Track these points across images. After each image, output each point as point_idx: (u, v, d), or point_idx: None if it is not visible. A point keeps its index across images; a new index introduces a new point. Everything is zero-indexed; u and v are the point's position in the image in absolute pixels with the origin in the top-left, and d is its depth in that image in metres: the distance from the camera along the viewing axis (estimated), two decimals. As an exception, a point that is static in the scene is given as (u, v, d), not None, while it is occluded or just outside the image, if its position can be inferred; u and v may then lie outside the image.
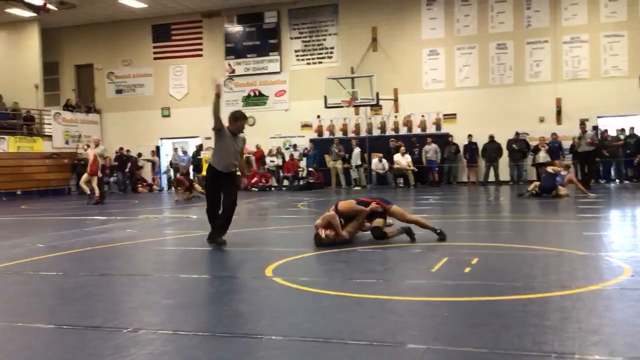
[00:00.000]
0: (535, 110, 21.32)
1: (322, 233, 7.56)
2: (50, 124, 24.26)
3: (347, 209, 7.81)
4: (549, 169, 15.31)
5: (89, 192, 16.97)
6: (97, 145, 18.14)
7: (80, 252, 7.98)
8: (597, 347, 3.53)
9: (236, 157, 7.92)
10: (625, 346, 3.55)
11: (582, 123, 18.76)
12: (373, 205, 7.85)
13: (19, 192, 21.67)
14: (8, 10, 22.42)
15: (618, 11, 20.64)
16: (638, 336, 3.69)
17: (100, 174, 17.10)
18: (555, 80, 21.27)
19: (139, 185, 24.44)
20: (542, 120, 21.33)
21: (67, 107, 25.36)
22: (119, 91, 26.70)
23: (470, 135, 21.28)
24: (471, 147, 21.35)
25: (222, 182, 7.80)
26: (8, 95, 24.39)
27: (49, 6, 20.35)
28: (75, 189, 23.14)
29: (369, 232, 7.91)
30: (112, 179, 24.44)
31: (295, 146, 23.38)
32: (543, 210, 12.57)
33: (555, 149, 20.17)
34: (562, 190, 14.34)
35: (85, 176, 17.08)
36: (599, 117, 20.88)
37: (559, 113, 21.20)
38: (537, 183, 15.18)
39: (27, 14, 22.61)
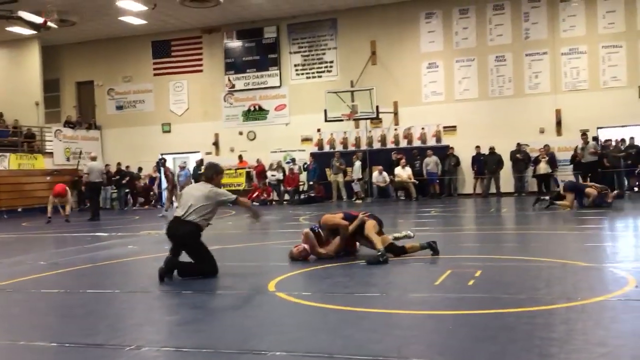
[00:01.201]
0: (535, 121, 21.34)
1: (293, 249, 7.69)
2: (51, 141, 24.30)
3: (329, 223, 7.74)
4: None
5: (49, 215, 17.05)
6: (92, 160, 18.35)
7: (82, 269, 7.95)
8: (604, 359, 3.50)
9: None
10: (632, 358, 3.52)
11: (584, 134, 18.79)
12: (361, 216, 7.70)
13: (20, 209, 21.63)
14: (8, 29, 22.51)
15: (616, 22, 20.71)
16: (645, 348, 3.66)
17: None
18: (554, 91, 21.31)
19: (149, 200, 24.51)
20: (542, 131, 21.34)
21: (68, 123, 25.41)
22: (119, 107, 26.77)
23: (478, 147, 21.25)
24: (479, 158, 21.32)
25: None
26: (9, 113, 24.44)
27: (50, 24, 20.42)
28: (77, 206, 23.11)
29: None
30: (110, 195, 24.41)
31: (294, 160, 23.38)
32: (545, 222, 12.54)
33: (550, 159, 20.26)
34: (562, 202, 14.25)
35: (51, 197, 17.38)
36: (598, 127, 20.88)
37: (558, 124, 21.22)
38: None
39: (27, 31, 22.69)
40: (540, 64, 21.48)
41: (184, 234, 6.77)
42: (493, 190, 20.97)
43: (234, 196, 7.01)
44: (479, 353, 3.70)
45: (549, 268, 6.49)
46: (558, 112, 21.19)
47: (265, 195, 22.48)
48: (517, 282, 5.84)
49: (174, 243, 6.85)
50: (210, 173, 7.10)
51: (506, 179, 20.96)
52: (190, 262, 6.85)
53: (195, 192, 6.96)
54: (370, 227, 7.52)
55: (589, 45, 21.01)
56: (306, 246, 7.69)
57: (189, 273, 6.77)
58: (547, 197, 14.90)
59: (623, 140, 20.22)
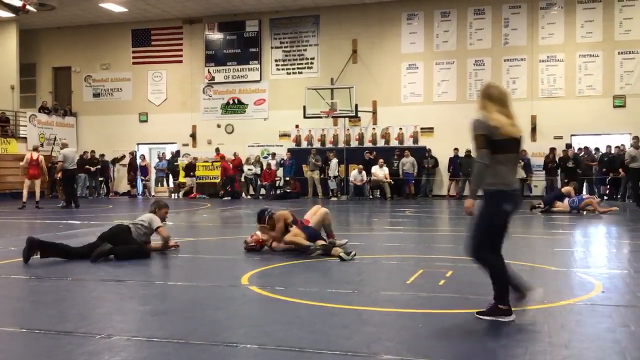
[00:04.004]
0: (511, 126, 21.56)
1: (248, 238, 8.11)
2: (25, 125, 23.97)
3: (281, 219, 7.97)
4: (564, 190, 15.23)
5: (24, 201, 16.73)
6: (63, 147, 17.99)
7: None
8: (567, 361, 3.59)
9: None
10: (595, 361, 3.62)
11: (636, 137, 17.62)
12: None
13: (-9, 194, 21.33)
14: (-14, 11, 22.16)
15: (594, 32, 21.07)
16: (608, 351, 3.76)
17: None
18: (531, 97, 21.59)
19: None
20: (517, 136, 21.58)
21: (43, 109, 25.07)
22: (96, 95, 26.49)
23: (456, 149, 21.42)
24: (455, 160, 21.51)
25: None
26: (-17, 96, 24.06)
27: (29, 7, 20.10)
28: (50, 192, 22.85)
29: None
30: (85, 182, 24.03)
31: (274, 155, 23.38)
32: (516, 225, 12.71)
33: (525, 164, 20.55)
34: (561, 206, 14.49)
35: (26, 181, 16.94)
36: (572, 135, 21.24)
37: (533, 130, 21.51)
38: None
39: (5, 14, 22.33)
40: (518, 69, 21.76)
41: (117, 233, 7.62)
42: (467, 192, 21.17)
43: (161, 225, 7.96)
44: (447, 351, 3.78)
45: (518, 271, 6.57)
46: (533, 118, 21.49)
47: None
48: (487, 283, 5.88)
49: (104, 239, 7.53)
50: (153, 208, 8.10)
51: (481, 182, 21.13)
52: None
53: (146, 215, 8.05)
54: (291, 234, 7.64)
55: (567, 54, 21.33)
56: (258, 233, 7.98)
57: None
58: (541, 205, 15.12)
59: (597, 149, 20.56)
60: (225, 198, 21.78)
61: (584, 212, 14.37)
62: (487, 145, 4.26)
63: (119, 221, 8.06)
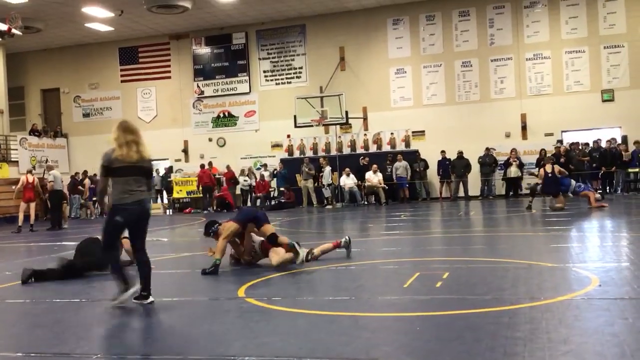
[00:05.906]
0: (501, 125, 21.67)
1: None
2: (16, 149, 23.87)
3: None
4: (555, 170, 14.67)
5: (20, 224, 16.61)
6: (49, 170, 18.12)
7: (49, 279, 7.82)
8: (566, 356, 3.58)
9: None
10: (595, 355, 3.61)
11: None
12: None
13: (-16, 219, 21.20)
14: (-29, 36, 22.10)
15: (578, 28, 21.17)
16: (607, 345, 3.75)
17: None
18: (519, 96, 21.67)
19: None
20: (508, 135, 21.68)
21: (33, 132, 25.00)
22: (86, 115, 26.45)
23: (443, 151, 21.44)
24: (444, 162, 21.53)
25: None
26: (-28, 121, 23.96)
27: (14, 31, 20.06)
28: (43, 215, 22.73)
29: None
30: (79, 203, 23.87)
31: (265, 166, 23.36)
32: (512, 224, 12.74)
33: (520, 164, 20.57)
34: (560, 202, 14.36)
35: (22, 204, 16.89)
36: (563, 131, 21.30)
37: (524, 128, 21.57)
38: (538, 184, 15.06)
39: (-10, 39, 22.31)
40: (506, 69, 21.84)
41: (83, 246, 8.24)
42: (461, 193, 21.20)
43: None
44: (446, 353, 3.76)
45: (514, 269, 6.60)
46: (523, 116, 21.56)
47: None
48: (483, 283, 5.93)
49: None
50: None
51: (475, 183, 21.20)
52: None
53: None
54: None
55: (553, 51, 21.43)
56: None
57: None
58: (532, 202, 15.11)
59: (586, 144, 20.60)
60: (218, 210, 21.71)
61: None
62: (105, 172, 5.69)
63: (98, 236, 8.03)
